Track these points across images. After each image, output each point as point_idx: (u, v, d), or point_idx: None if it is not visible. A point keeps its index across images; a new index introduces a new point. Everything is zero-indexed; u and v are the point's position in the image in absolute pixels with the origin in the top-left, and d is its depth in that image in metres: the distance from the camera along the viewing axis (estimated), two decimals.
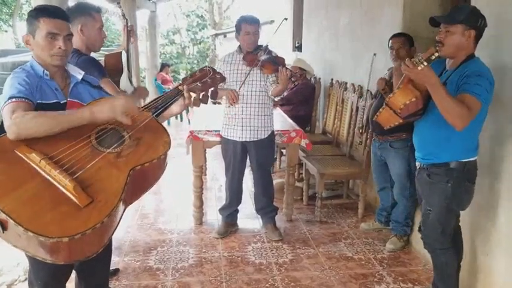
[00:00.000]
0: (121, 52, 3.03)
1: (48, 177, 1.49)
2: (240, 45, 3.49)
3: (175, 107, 1.97)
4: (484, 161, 2.52)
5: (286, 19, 3.63)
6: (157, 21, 11.35)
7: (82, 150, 1.60)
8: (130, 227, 3.88)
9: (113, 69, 2.85)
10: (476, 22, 2.24)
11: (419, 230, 2.71)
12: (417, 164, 2.58)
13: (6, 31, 16.80)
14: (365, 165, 3.96)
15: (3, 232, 1.41)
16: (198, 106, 2.14)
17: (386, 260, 3.34)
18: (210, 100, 2.19)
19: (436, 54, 2.18)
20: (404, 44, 3.31)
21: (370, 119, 3.57)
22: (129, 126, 1.73)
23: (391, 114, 2.36)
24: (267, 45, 3.42)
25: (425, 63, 2.11)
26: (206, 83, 2.08)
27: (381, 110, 2.44)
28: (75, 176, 1.51)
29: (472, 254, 2.77)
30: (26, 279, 2.92)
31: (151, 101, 1.92)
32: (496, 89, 2.30)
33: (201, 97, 2.08)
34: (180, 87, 1.98)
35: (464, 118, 2.13)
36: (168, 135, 1.81)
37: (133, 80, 3.08)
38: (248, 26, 3.37)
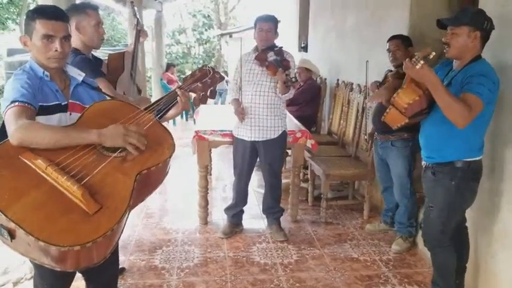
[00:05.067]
0: (124, 53, 3.04)
1: (55, 184, 1.46)
2: (256, 44, 3.51)
3: (172, 110, 1.96)
4: (488, 162, 2.51)
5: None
6: (163, 21, 11.36)
7: (88, 155, 1.57)
8: (135, 226, 3.88)
9: (114, 70, 2.86)
10: (481, 24, 2.28)
11: (421, 226, 2.72)
12: (423, 163, 2.61)
13: (14, 29, 16.88)
14: (370, 166, 3.95)
15: (11, 241, 1.38)
16: (198, 106, 2.15)
17: (392, 262, 3.32)
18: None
19: (434, 54, 2.21)
20: (400, 46, 3.34)
21: (372, 119, 3.57)
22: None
23: (397, 114, 2.40)
24: (281, 47, 3.45)
25: (421, 62, 2.15)
26: (206, 83, 2.08)
27: (387, 110, 2.47)
28: (83, 183, 1.48)
29: (476, 256, 2.76)
30: (31, 278, 2.93)
31: (154, 103, 1.90)
32: (500, 90, 2.31)
33: (200, 97, 2.08)
34: (178, 90, 1.96)
35: (465, 116, 2.15)
36: (172, 138, 1.78)
37: (137, 79, 3.07)
38: (262, 23, 3.41)
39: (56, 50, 1.73)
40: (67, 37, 1.77)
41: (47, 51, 1.73)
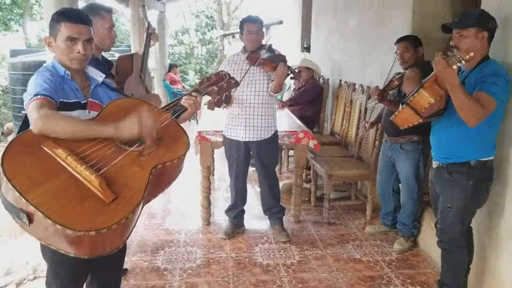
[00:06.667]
0: (133, 54, 3.05)
1: (74, 172, 1.53)
2: (244, 46, 3.50)
3: (185, 113, 2.03)
4: (495, 163, 2.50)
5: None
6: (166, 22, 11.38)
7: (106, 148, 1.64)
8: (138, 226, 3.88)
9: (123, 71, 2.88)
10: (487, 23, 2.33)
11: (436, 227, 2.73)
12: (434, 163, 2.62)
13: (17, 30, 16.91)
14: (373, 166, 3.94)
15: (29, 225, 1.43)
16: (213, 109, 2.17)
17: (395, 262, 3.32)
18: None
19: (472, 54, 2.18)
20: (408, 47, 3.30)
21: (383, 120, 3.54)
22: None
23: (411, 114, 2.39)
24: (270, 44, 3.44)
25: (463, 62, 2.16)
26: (222, 87, 2.15)
27: (399, 110, 2.45)
28: (101, 172, 1.54)
29: (481, 256, 2.75)
30: (34, 278, 2.95)
31: (171, 103, 1.98)
32: None
33: (215, 101, 2.12)
34: (193, 93, 2.04)
35: (478, 116, 2.21)
36: (187, 136, 1.86)
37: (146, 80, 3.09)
38: (250, 25, 3.38)
39: (79, 52, 1.81)
40: (89, 40, 1.85)
41: (70, 53, 1.81)
